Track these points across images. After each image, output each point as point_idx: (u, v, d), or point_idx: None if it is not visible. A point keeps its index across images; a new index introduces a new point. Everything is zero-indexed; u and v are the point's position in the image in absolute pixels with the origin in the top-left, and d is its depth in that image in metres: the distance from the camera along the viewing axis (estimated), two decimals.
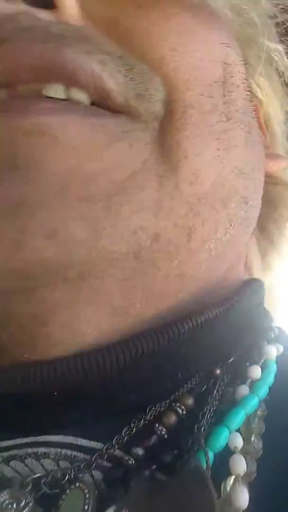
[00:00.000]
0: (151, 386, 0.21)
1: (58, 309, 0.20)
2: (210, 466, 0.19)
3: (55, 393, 0.19)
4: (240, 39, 0.25)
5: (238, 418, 0.20)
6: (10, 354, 0.20)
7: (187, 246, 0.21)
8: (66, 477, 0.19)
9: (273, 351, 0.23)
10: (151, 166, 0.20)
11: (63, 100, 0.19)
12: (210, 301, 0.23)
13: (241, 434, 0.20)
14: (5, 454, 0.20)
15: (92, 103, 0.20)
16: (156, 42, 0.21)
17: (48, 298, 0.19)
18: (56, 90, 0.19)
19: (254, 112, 0.26)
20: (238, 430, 0.20)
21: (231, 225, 0.23)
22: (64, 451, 0.20)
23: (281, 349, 0.24)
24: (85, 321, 0.20)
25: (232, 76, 0.23)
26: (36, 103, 0.18)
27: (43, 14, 0.20)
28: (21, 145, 0.18)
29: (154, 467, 0.19)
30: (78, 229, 0.18)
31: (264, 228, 0.33)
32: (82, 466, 0.19)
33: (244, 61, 0.25)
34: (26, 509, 0.18)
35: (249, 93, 0.24)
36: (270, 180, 0.30)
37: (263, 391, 0.21)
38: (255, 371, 0.22)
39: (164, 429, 0.20)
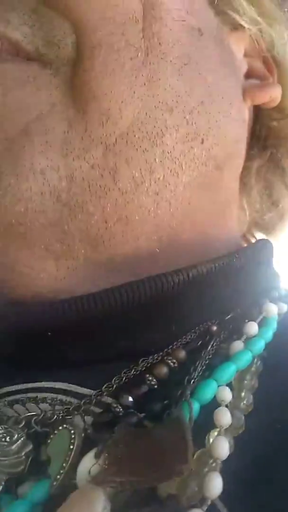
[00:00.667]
0: (140, 335, 0.21)
1: None
2: (196, 417, 0.19)
3: (49, 333, 0.20)
4: None
5: (228, 372, 0.20)
6: None
7: (115, 188, 0.21)
8: (55, 417, 0.20)
9: (273, 308, 0.22)
10: (60, 109, 0.20)
11: None
12: (203, 258, 0.22)
13: (232, 389, 0.20)
14: (9, 398, 0.21)
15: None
16: None
17: None
18: None
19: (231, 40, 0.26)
20: (229, 385, 0.20)
21: (178, 164, 0.22)
22: (59, 396, 0.21)
23: (285, 308, 0.23)
24: (24, 265, 0.21)
25: (153, 9, 0.22)
26: None
27: None
28: None
29: (142, 415, 0.19)
30: None
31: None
32: (71, 408, 0.20)
33: None
34: (18, 442, 0.19)
35: (184, 22, 0.23)
36: (274, 114, 0.29)
37: (258, 347, 0.21)
38: (252, 328, 0.21)
39: (155, 380, 0.20)
